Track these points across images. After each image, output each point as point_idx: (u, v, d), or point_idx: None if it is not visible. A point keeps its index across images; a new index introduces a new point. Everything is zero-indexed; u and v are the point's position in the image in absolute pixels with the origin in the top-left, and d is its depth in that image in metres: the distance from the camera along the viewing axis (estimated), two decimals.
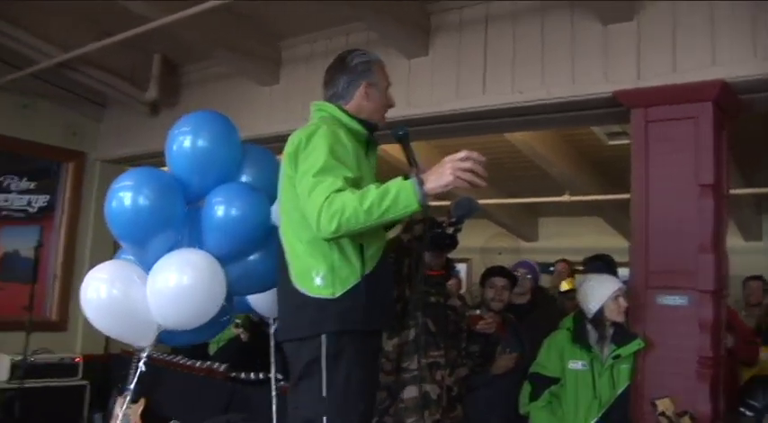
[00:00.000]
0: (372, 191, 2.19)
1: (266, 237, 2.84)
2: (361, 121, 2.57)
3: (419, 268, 3.34)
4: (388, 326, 2.84)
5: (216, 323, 2.98)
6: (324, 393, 2.35)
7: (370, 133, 2.62)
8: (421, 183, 2.19)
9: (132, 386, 5.16)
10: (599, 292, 3.56)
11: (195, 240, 2.87)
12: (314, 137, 2.37)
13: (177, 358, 5.98)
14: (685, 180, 3.57)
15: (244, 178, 3.07)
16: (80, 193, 6.61)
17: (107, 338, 6.47)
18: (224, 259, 2.85)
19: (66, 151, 6.53)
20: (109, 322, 2.84)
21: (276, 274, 2.64)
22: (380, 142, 2.76)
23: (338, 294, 2.38)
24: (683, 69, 3.62)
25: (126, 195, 2.70)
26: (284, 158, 2.48)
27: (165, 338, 2.96)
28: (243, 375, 5.42)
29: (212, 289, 2.78)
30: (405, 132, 2.58)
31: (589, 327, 3.55)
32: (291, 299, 2.48)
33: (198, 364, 5.77)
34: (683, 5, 3.67)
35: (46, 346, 5.85)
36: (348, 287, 2.40)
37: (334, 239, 2.32)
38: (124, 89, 5.66)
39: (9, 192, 6.26)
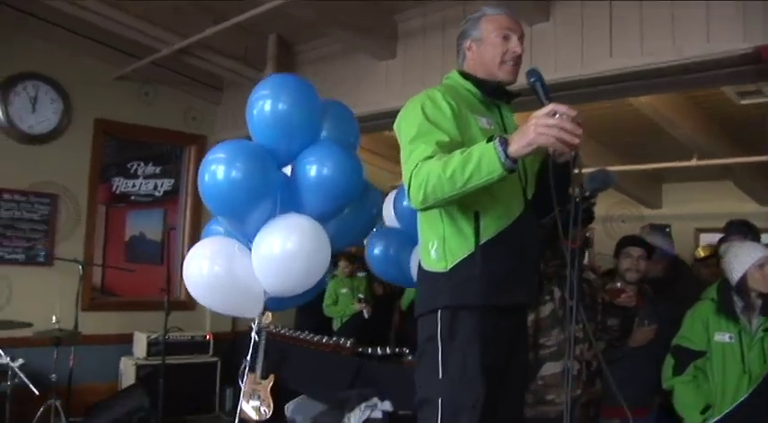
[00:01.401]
0: (456, 157, 2.03)
1: (359, 193, 2.84)
2: (474, 80, 2.43)
3: (554, 241, 3.25)
4: (522, 300, 2.52)
5: (319, 282, 3.01)
6: (440, 375, 2.24)
7: (492, 90, 2.44)
8: (505, 144, 1.98)
9: (252, 359, 5.39)
10: (742, 260, 3.40)
11: (290, 205, 2.85)
12: (408, 109, 2.31)
13: (303, 335, 6.14)
14: None
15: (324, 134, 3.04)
16: None
17: (234, 317, 6.72)
18: (323, 219, 2.84)
19: (188, 135, 6.75)
20: (214, 298, 2.86)
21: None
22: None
23: (450, 267, 2.28)
24: None
25: (219, 169, 2.68)
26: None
27: (273, 305, 2.97)
28: (369, 350, 5.50)
29: (319, 250, 2.78)
30: (536, 78, 2.22)
31: (735, 297, 3.39)
32: (419, 274, 2.45)
33: (324, 339, 5.90)
34: None
35: (177, 325, 6.07)
36: (459, 259, 2.27)
37: (427, 209, 2.21)
38: (241, 71, 5.78)
39: (136, 177, 6.54)
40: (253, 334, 2.99)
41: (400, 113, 2.35)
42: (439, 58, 5.05)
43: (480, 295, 2.29)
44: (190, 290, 2.82)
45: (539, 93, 2.20)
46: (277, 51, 5.78)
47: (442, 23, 5.03)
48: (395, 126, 2.38)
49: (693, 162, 6.04)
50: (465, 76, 2.47)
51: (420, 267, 2.43)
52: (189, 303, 6.54)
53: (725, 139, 6.49)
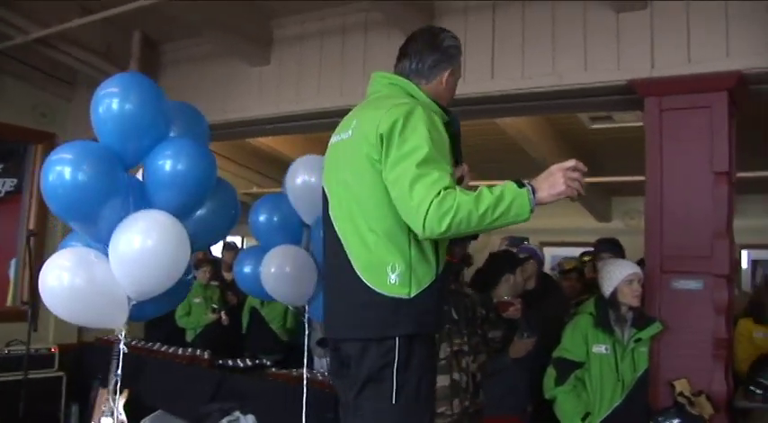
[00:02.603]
0: (487, 194, 2.07)
1: (213, 188, 2.80)
2: (444, 112, 2.39)
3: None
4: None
5: (182, 284, 2.87)
6: (393, 400, 2.22)
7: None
8: (533, 190, 2.11)
9: (114, 376, 5.08)
10: (614, 276, 3.64)
11: (144, 205, 2.72)
12: (412, 118, 2.18)
13: (157, 346, 5.84)
14: (699, 167, 3.66)
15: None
16: None
17: (80, 327, 6.28)
18: (179, 216, 2.72)
19: (35, 132, 6.22)
20: (76, 310, 2.62)
21: (328, 263, 2.49)
22: None
23: (413, 294, 2.23)
24: (696, 60, 3.70)
25: (65, 170, 2.49)
26: (365, 137, 2.26)
27: (137, 314, 2.80)
28: (230, 362, 5.33)
29: (178, 243, 2.64)
30: (457, 126, 2.42)
31: (609, 310, 3.62)
32: (355, 294, 2.30)
33: (180, 351, 5.65)
34: None
35: (17, 338, 5.59)
36: (423, 287, 2.25)
37: (439, 237, 2.15)
38: (102, 68, 5.42)
39: None
40: (120, 345, 2.79)
41: (393, 122, 2.19)
42: (315, 68, 5.03)
43: (436, 323, 2.35)
44: (48, 303, 2.58)
45: (457, 140, 2.41)
46: (141, 49, 5.49)
47: (320, 33, 5.01)
48: (381, 133, 2.20)
49: None
50: (431, 98, 2.41)
51: (363, 289, 2.28)
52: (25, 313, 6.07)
53: (575, 159, 6.93)
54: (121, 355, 2.83)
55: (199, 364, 5.42)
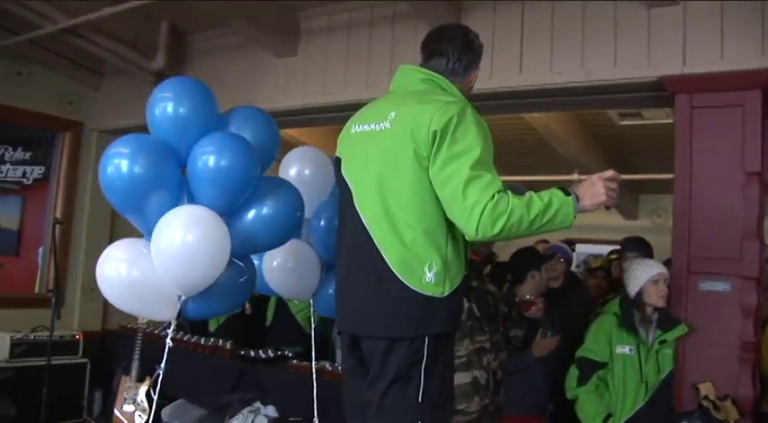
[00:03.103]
0: (537, 200, 2.13)
1: (260, 190, 2.77)
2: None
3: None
4: None
5: (236, 286, 2.84)
6: (419, 400, 2.23)
7: None
8: (576, 198, 2.18)
9: (136, 364, 5.11)
10: (639, 276, 3.59)
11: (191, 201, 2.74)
12: (465, 117, 2.21)
13: (179, 335, 5.86)
14: (729, 167, 3.59)
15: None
16: (77, 164, 6.37)
17: (104, 314, 6.34)
18: (221, 212, 2.71)
19: (62, 120, 6.28)
20: (128, 301, 2.68)
21: (350, 255, 2.45)
22: None
23: (447, 293, 2.26)
24: (730, 57, 3.62)
25: (122, 162, 2.55)
26: (412, 133, 2.24)
27: (193, 312, 2.81)
28: (252, 353, 5.33)
29: (216, 238, 2.61)
30: None
31: (634, 310, 3.57)
32: (386, 290, 2.28)
33: (203, 340, 5.66)
34: None
35: (43, 324, 5.65)
36: (455, 286, 2.29)
37: (490, 240, 2.20)
38: (130, 57, 5.45)
39: (3, 163, 6.02)
40: (167, 340, 2.80)
41: (448, 120, 2.19)
42: (342, 61, 5.00)
43: (460, 322, 2.41)
44: (105, 294, 2.62)
45: None
46: (169, 39, 5.50)
47: (347, 25, 4.98)
48: (435, 130, 2.19)
49: (575, 176, 6.35)
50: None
51: (396, 284, 2.26)
52: (56, 300, 6.12)
53: (603, 156, 6.87)
54: (167, 350, 2.85)
55: (221, 355, 5.44)
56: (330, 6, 4.99)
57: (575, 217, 2.17)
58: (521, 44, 4.28)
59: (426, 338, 2.24)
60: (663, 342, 3.50)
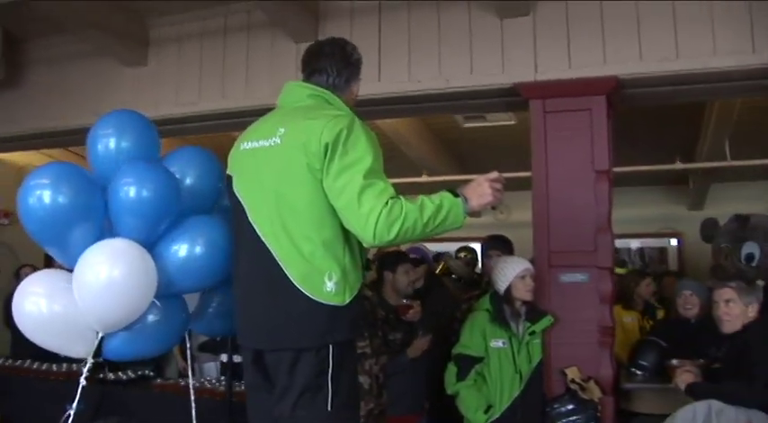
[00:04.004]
0: (429, 203, 2.19)
1: (185, 222, 2.66)
2: None
3: None
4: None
5: (162, 327, 2.70)
6: (329, 407, 2.26)
7: None
8: (465, 200, 2.25)
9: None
10: (507, 272, 3.78)
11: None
12: (354, 129, 2.25)
13: (27, 364, 5.45)
14: (581, 166, 3.89)
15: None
16: None
17: None
18: (145, 245, 2.60)
19: None
20: (45, 335, 2.54)
21: (248, 271, 2.42)
22: None
23: (347, 301, 2.29)
24: (577, 65, 3.94)
25: (44, 193, 2.43)
26: (302, 146, 2.25)
27: (112, 351, 2.66)
28: (111, 375, 5.07)
29: (137, 271, 2.48)
30: None
31: (504, 305, 3.77)
32: (288, 303, 2.29)
33: (54, 367, 5.30)
34: (576, 5, 3.98)
35: None
36: (355, 293, 2.32)
37: (385, 244, 2.29)
38: None
39: None
40: (81, 379, 2.63)
41: (338, 133, 2.21)
42: (196, 70, 4.89)
43: (360, 329, 2.47)
44: (21, 328, 2.45)
45: None
46: (3, 48, 5.10)
47: (200, 33, 4.87)
48: (327, 142, 2.21)
49: (424, 178, 6.55)
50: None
51: (299, 298, 2.27)
52: None
53: (449, 157, 7.14)
54: (80, 389, 2.66)
55: (77, 380, 5.12)
56: (181, 15, 4.86)
57: (465, 217, 2.27)
58: (378, 52, 4.38)
59: (331, 347, 2.27)
60: (532, 333, 3.73)
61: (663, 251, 9.06)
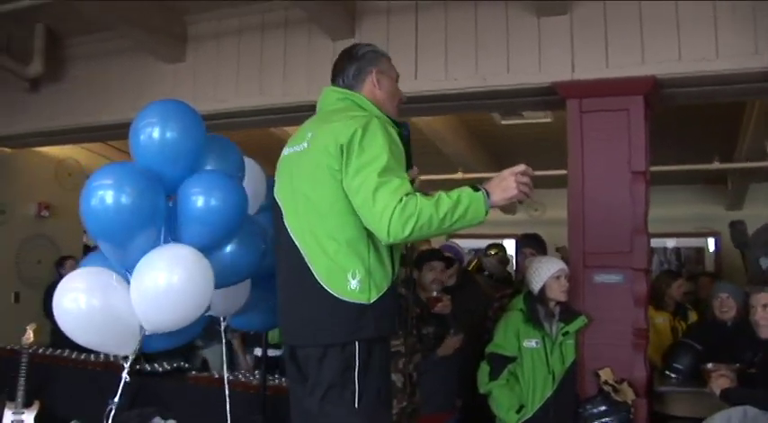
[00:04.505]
0: (445, 199, 2.17)
1: (241, 225, 2.71)
2: (391, 119, 2.46)
3: None
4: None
5: (199, 320, 2.79)
6: (356, 404, 2.28)
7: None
8: (487, 194, 2.22)
9: (21, 389, 4.82)
10: (542, 272, 3.77)
11: (172, 235, 2.65)
12: (370, 129, 2.26)
13: (66, 353, 5.58)
14: (617, 167, 3.87)
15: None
16: None
17: None
18: (205, 251, 2.68)
19: None
20: (89, 334, 2.57)
21: (285, 271, 2.50)
22: None
23: (374, 299, 2.31)
24: (614, 65, 3.92)
25: (107, 193, 2.39)
26: (325, 149, 2.31)
27: (146, 344, 2.74)
28: (148, 367, 5.17)
29: (202, 282, 2.52)
30: (408, 132, 2.49)
31: (538, 306, 3.76)
32: (316, 301, 2.35)
33: (92, 357, 5.41)
34: (614, 4, 3.95)
35: None
36: (382, 292, 2.33)
37: (401, 241, 2.24)
38: (3, 63, 5.10)
39: None
40: (124, 374, 2.67)
41: (352, 133, 2.25)
42: (233, 66, 4.94)
43: (393, 327, 2.42)
44: (62, 325, 2.46)
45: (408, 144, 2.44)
46: (45, 44, 5.21)
47: (238, 30, 4.92)
48: (341, 144, 2.26)
49: (459, 175, 6.54)
50: (379, 108, 2.48)
51: (325, 295, 2.33)
52: None
53: (485, 154, 7.13)
54: (122, 384, 2.67)
55: (114, 370, 5.22)
56: (219, 11, 4.91)
57: (487, 212, 2.21)
58: (415, 50, 4.40)
59: (357, 344, 2.30)
60: (565, 334, 3.72)
61: (699, 251, 8.92)
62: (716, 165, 6.39)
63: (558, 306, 3.77)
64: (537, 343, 3.71)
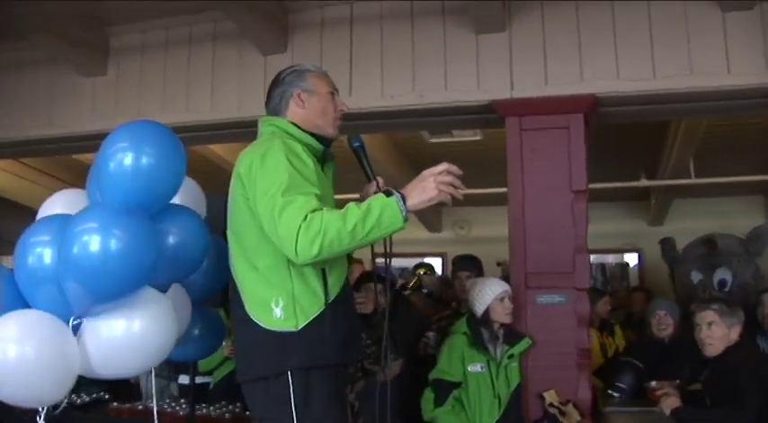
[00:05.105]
0: (355, 210, 2.04)
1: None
2: (314, 135, 2.36)
3: None
4: (357, 356, 2.69)
5: None
6: None
7: (326, 147, 2.41)
8: (403, 198, 2.08)
9: None
10: (485, 294, 3.69)
11: None
12: (269, 152, 2.18)
13: None
14: (558, 185, 3.83)
15: None
16: None
17: None
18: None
19: None
20: (19, 387, 2.24)
21: (231, 303, 2.37)
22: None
23: (301, 326, 2.18)
24: (553, 82, 3.89)
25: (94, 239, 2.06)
26: (235, 179, 2.28)
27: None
28: (65, 400, 4.84)
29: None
30: (360, 143, 2.41)
31: (482, 328, 3.68)
32: (247, 333, 2.26)
33: None
34: (552, 22, 3.93)
35: None
36: (311, 317, 2.20)
37: (312, 262, 2.11)
38: None
39: None
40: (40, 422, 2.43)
41: (250, 163, 2.19)
42: (159, 81, 4.70)
43: (332, 354, 2.25)
44: None
45: (361, 156, 2.41)
46: None
47: (164, 43, 4.69)
48: (241, 173, 2.21)
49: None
50: (300, 128, 2.36)
51: (253, 326, 2.23)
52: None
53: (414, 173, 7.02)
54: None
55: (26, 411, 4.87)
56: (144, 23, 4.67)
57: (405, 218, 2.06)
58: (350, 66, 4.28)
59: (289, 374, 2.18)
60: (510, 356, 3.65)
61: (624, 267, 9.07)
62: (644, 182, 6.50)
63: (503, 328, 3.69)
64: (482, 367, 3.63)
